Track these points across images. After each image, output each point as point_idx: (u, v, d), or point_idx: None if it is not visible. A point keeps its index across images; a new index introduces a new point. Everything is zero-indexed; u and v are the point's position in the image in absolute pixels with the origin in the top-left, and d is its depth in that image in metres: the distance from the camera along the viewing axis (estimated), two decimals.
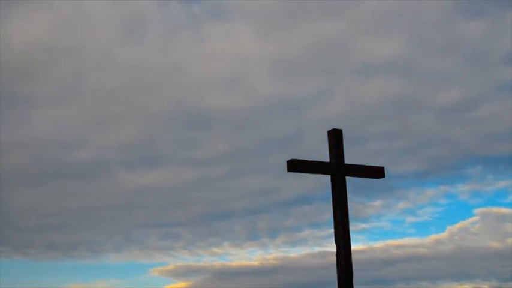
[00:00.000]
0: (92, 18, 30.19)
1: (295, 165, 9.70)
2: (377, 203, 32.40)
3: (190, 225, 32.93)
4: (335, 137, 10.07)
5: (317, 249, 31.88)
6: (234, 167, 31.20)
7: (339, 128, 10.12)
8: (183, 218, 32.59)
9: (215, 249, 33.65)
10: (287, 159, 9.64)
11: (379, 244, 33.23)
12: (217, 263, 33.49)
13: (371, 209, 32.42)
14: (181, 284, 34.06)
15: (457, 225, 34.08)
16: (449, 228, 34.09)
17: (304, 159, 9.75)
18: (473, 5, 28.98)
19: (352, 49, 28.88)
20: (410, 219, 33.45)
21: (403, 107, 29.67)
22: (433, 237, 33.38)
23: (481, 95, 29.29)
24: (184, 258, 33.76)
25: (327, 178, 10.01)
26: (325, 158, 9.86)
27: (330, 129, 10.12)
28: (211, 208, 32.33)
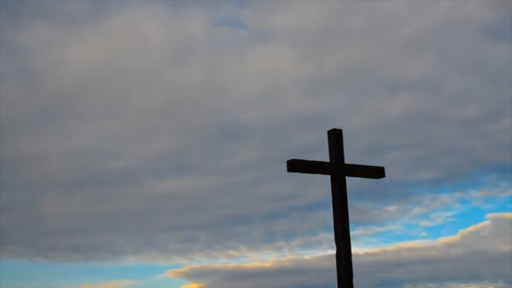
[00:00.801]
0: (145, 42, 32.90)
1: (295, 165, 9.70)
2: (392, 208, 33.80)
3: (210, 229, 34.53)
4: (335, 137, 10.07)
5: (330, 252, 32.07)
6: (258, 175, 32.64)
7: (338, 128, 10.16)
8: (203, 222, 34.16)
9: (231, 252, 34.85)
10: (287, 160, 9.66)
11: (392, 247, 34.27)
12: (231, 264, 34.58)
13: (386, 214, 33.83)
14: (194, 285, 35.02)
15: (469, 229, 34.91)
16: (461, 231, 34.86)
17: (305, 159, 9.78)
18: (497, 29, 30.48)
19: (381, 68, 31.27)
20: (424, 223, 34.68)
21: (425, 121, 31.72)
22: (445, 240, 34.36)
23: (499, 110, 31.04)
24: (200, 261, 34.93)
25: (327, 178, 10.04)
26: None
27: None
28: (231, 213, 33.84)
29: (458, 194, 34.26)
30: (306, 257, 33.80)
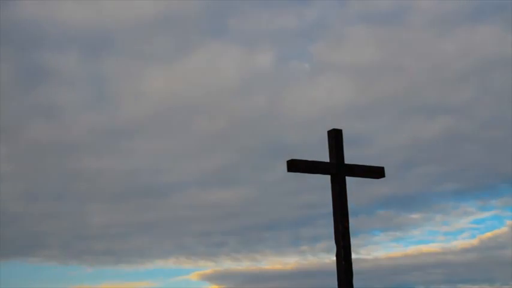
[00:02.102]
0: (217, 75, 36.34)
1: (295, 165, 9.69)
2: (416, 215, 35.94)
3: (238, 235, 36.85)
4: (335, 137, 10.05)
5: (353, 256, 33.21)
6: (295, 186, 34.08)
7: (338, 128, 10.15)
8: (233, 228, 36.54)
9: (255, 256, 36.63)
10: (287, 160, 9.67)
11: (412, 251, 35.68)
12: (253, 267, 36.19)
13: (410, 221, 35.98)
14: (215, 287, 36.76)
15: (488, 235, 36.03)
16: (479, 237, 35.99)
17: (305, 159, 9.78)
18: None
19: (423, 96, 35.04)
20: (444, 229, 36.38)
21: (454, 140, 35.21)
22: (463, 245, 35.64)
23: None
24: (225, 264, 36.75)
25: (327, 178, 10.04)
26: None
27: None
28: (262, 220, 36.09)
29: (480, 202, 36.33)
30: (327, 260, 34.99)
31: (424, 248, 35.46)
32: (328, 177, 9.98)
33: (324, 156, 10.01)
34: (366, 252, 33.85)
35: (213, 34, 37.38)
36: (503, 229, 35.53)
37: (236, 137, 36.25)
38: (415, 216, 35.34)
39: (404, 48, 35.42)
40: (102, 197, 35.51)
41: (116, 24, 35.60)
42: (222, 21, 36.73)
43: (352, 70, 35.80)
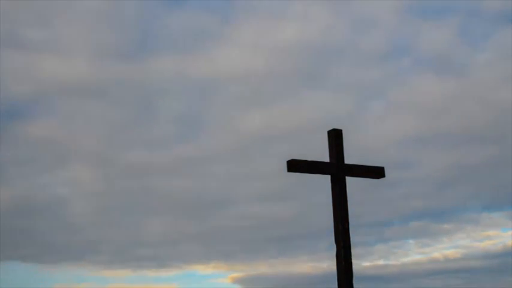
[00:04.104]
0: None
1: (295, 165, 9.67)
2: (449, 226, 38.30)
3: (278, 243, 38.31)
4: (335, 137, 10.04)
5: (381, 261, 36.25)
6: None
7: (338, 128, 10.14)
8: (276, 236, 37.97)
9: (290, 261, 37.90)
10: (287, 160, 9.65)
11: (437, 256, 37.35)
12: (283, 271, 37.45)
13: (442, 230, 38.26)
14: None
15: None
16: (506, 244, 36.95)
17: (305, 159, 9.76)
18: None
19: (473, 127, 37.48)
20: (474, 235, 38.13)
21: (492, 164, 37.44)
22: (489, 251, 36.98)
23: None
24: (259, 269, 38.24)
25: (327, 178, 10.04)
26: None
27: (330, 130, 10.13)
28: (306, 229, 37.01)
29: (510, 213, 38.22)
30: (355, 266, 35.96)
31: (450, 253, 37.21)
32: (328, 177, 9.99)
33: None
34: (394, 258, 36.00)
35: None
36: None
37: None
38: (446, 226, 37.72)
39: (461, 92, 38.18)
40: (159, 210, 37.75)
41: None
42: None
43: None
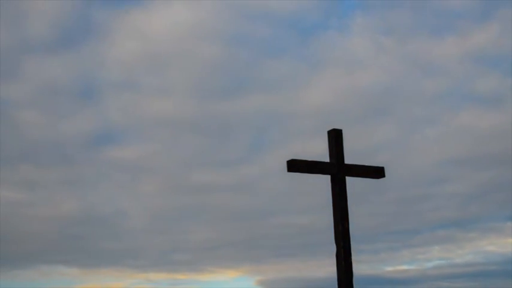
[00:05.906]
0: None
1: (295, 165, 9.66)
2: (472, 235, 39.69)
3: (305, 248, 39.16)
4: (335, 137, 10.02)
5: (404, 266, 37.36)
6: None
7: (338, 128, 10.12)
8: (305, 243, 38.89)
9: (313, 265, 38.79)
10: (287, 160, 9.64)
11: (460, 261, 38.59)
12: (305, 275, 38.42)
13: (465, 237, 39.72)
14: None
15: None
16: None
17: (304, 159, 9.75)
18: None
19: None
20: (494, 240, 39.31)
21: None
22: (506, 257, 37.87)
23: None
24: (285, 273, 39.08)
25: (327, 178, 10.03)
26: None
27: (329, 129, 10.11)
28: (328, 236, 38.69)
29: None
30: (378, 271, 37.59)
31: (471, 258, 38.41)
32: (328, 177, 9.98)
33: None
34: (418, 263, 37.21)
35: None
36: None
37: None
38: (470, 235, 39.13)
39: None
40: (205, 217, 39.33)
41: None
42: None
43: None
